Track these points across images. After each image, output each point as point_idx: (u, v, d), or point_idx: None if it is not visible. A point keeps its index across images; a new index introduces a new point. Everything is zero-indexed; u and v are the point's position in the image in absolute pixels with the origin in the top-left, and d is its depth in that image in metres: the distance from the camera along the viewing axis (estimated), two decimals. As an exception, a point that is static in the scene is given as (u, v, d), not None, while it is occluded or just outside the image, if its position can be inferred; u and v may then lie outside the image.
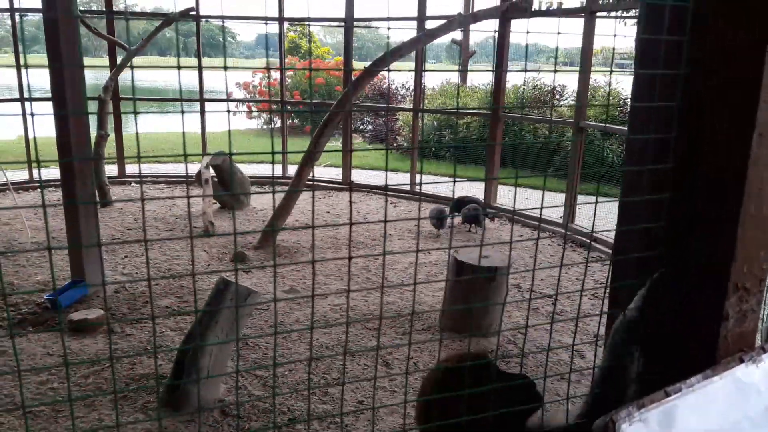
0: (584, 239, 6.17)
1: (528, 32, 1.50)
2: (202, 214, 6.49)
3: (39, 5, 5.72)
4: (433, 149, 10.99)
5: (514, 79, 11.43)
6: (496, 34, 6.67)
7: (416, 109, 7.79)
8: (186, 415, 2.94)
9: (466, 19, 6.66)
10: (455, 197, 6.61)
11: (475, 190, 8.10)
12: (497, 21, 6.57)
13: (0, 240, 5.83)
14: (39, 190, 7.98)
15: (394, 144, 11.66)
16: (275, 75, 14.05)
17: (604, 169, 8.94)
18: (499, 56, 6.81)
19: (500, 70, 6.52)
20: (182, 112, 1.29)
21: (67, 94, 4.29)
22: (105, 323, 3.85)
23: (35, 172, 8.27)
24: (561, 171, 9.19)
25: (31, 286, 4.62)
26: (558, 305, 4.58)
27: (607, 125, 7.77)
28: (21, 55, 7.96)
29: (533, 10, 6.58)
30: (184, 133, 1.11)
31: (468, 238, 6.46)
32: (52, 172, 8.78)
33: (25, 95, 7.79)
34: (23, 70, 7.91)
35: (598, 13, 5.94)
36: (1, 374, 3.32)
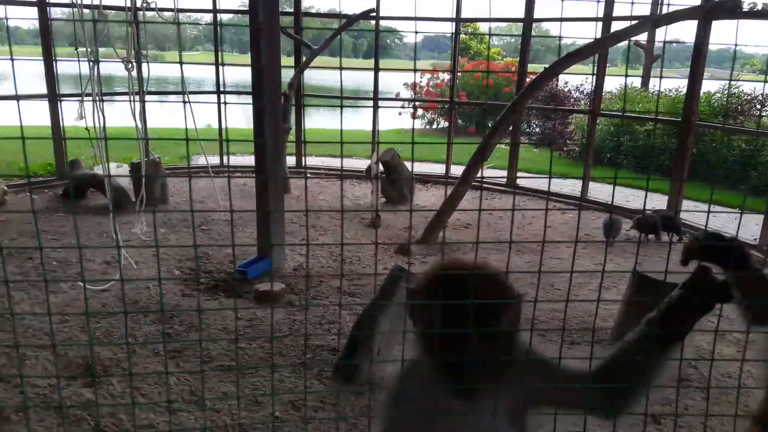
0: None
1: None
2: (371, 207, 6.78)
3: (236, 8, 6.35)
4: (608, 155, 10.44)
5: (706, 86, 10.53)
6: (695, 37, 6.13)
7: (594, 112, 7.43)
8: (356, 387, 3.11)
9: (661, 20, 6.21)
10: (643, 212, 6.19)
11: (655, 203, 7.55)
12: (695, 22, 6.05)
13: (198, 216, 6.55)
14: (228, 175, 8.84)
15: (564, 149, 11.24)
16: (442, 76, 14.24)
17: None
18: (695, 61, 6.26)
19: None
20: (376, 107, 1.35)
21: (265, 90, 4.74)
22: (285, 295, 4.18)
23: (225, 158, 9.19)
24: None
25: (223, 257, 5.14)
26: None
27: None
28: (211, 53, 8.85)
29: (743, 10, 5.94)
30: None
31: (643, 251, 6.05)
32: (239, 159, 9.70)
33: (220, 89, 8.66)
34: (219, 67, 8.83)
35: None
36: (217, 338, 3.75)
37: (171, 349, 3.51)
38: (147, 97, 6.99)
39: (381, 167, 7.51)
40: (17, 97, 1.79)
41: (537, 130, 13.41)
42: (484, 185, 8.42)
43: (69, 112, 6.00)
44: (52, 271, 4.63)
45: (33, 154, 8.35)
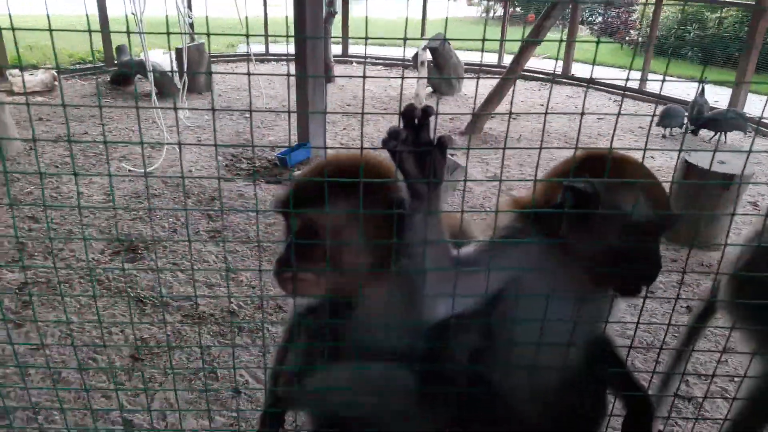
0: None
1: None
2: (414, 96, 6.58)
3: None
4: (671, 47, 9.69)
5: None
6: None
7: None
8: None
9: None
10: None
11: (719, 96, 7.04)
12: None
13: (241, 104, 6.54)
14: (273, 62, 8.70)
15: (626, 39, 10.49)
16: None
17: None
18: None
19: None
20: None
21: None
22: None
23: (271, 46, 9.01)
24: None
25: (264, 144, 5.16)
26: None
27: None
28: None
29: None
30: None
31: (700, 145, 5.73)
32: (282, 47, 9.49)
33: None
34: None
35: None
36: (240, 211, 3.84)
37: (210, 229, 3.62)
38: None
39: (429, 55, 7.21)
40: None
41: (599, 18, 12.51)
42: (536, 74, 8.04)
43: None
44: (99, 154, 4.76)
45: (80, 41, 8.39)
